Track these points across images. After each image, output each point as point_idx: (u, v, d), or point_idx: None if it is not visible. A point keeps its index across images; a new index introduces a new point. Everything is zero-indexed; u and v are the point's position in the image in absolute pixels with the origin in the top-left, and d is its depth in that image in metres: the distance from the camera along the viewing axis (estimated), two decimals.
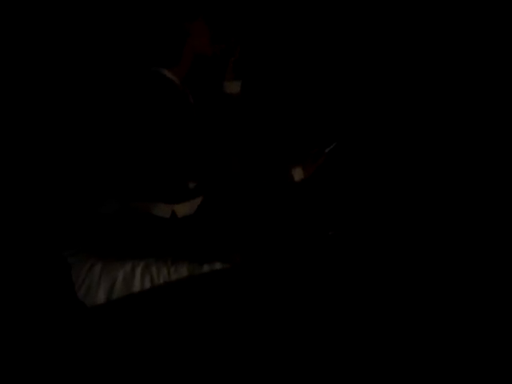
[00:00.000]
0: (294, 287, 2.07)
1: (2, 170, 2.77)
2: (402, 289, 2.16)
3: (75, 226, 2.37)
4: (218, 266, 2.12)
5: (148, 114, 2.13)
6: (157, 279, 2.08)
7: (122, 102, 2.24)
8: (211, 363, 1.96)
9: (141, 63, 2.25)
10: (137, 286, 2.07)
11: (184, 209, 2.22)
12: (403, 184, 2.80)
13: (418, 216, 2.64)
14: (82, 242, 2.24)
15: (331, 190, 2.71)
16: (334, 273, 2.14)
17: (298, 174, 2.30)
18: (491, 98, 2.81)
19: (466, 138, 2.81)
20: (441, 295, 2.17)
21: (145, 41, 2.23)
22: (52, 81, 2.89)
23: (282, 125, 2.99)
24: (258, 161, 2.31)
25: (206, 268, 2.11)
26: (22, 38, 2.84)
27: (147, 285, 2.08)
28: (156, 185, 2.18)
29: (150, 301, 2.04)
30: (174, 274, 2.10)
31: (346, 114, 2.96)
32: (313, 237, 2.28)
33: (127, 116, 2.21)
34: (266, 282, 2.06)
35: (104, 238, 2.24)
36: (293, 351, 1.98)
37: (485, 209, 2.65)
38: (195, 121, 2.21)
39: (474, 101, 2.82)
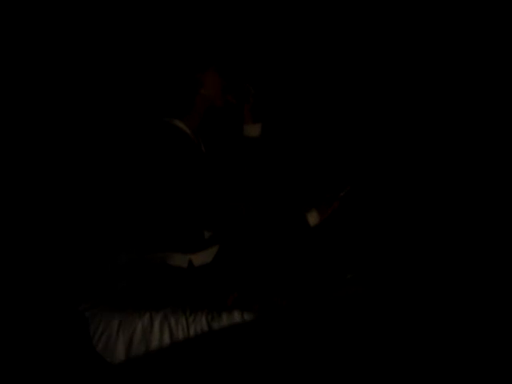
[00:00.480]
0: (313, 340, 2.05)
1: (18, 223, 2.78)
2: (422, 326, 2.14)
3: (91, 278, 2.36)
4: (236, 314, 2.10)
5: (160, 164, 2.15)
6: (175, 330, 2.07)
7: (134, 153, 2.26)
8: None
9: (153, 114, 2.27)
10: (156, 339, 2.05)
11: (201, 258, 2.22)
12: (420, 226, 2.78)
13: (436, 256, 2.62)
14: (98, 295, 2.24)
15: (347, 233, 2.70)
16: (352, 316, 2.12)
17: (313, 218, 2.29)
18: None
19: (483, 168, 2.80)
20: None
21: (157, 91, 2.25)
22: (63, 129, 2.92)
23: (296, 169, 3.00)
24: (273, 206, 2.31)
25: (224, 317, 2.10)
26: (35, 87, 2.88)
27: (166, 336, 2.06)
28: (172, 235, 2.18)
29: (170, 360, 2.02)
30: (193, 324, 2.08)
31: (359, 157, 2.96)
32: (331, 281, 2.27)
33: (140, 166, 2.22)
34: (285, 334, 2.04)
35: (121, 289, 2.23)
36: None
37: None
38: (208, 170, 2.22)
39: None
